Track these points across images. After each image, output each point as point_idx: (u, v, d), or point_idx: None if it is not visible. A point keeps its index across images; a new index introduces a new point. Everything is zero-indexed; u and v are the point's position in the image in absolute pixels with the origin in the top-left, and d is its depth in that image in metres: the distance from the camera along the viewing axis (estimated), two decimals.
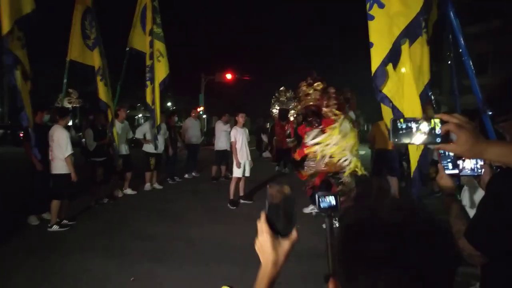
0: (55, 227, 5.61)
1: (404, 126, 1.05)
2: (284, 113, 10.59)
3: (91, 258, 4.59)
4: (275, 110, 10.96)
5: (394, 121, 1.07)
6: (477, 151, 1.03)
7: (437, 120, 1.04)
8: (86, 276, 4.15)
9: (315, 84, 6.42)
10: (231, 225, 6.09)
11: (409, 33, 3.46)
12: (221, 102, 35.18)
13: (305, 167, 6.15)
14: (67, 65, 6.95)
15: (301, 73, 6.87)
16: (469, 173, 1.79)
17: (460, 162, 1.77)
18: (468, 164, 1.78)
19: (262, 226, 0.97)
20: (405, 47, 3.54)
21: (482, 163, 1.79)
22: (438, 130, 1.04)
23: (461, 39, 3.48)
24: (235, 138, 7.24)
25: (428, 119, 1.06)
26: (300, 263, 4.35)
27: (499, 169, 2.14)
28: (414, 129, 1.04)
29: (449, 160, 1.72)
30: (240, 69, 30.89)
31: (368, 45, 3.64)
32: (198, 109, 28.73)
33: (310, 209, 6.72)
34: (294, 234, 0.98)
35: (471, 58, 3.82)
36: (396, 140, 1.06)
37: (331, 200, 1.57)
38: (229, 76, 27.46)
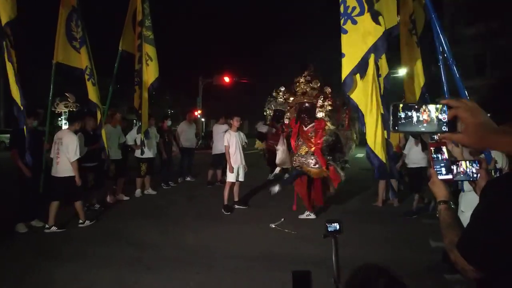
0: (87, 222, 6.03)
1: (403, 116, 0.94)
2: (279, 114, 9.90)
3: (79, 266, 4.46)
4: (269, 111, 10.28)
5: (395, 107, 0.95)
6: (488, 141, 0.90)
7: (443, 107, 0.93)
8: (73, 284, 4.02)
9: (313, 82, 6.64)
10: (224, 231, 5.94)
11: (376, 49, 3.94)
12: (219, 105, 35.09)
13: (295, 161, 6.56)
14: (54, 68, 6.76)
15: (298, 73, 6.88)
16: (463, 178, 1.66)
17: (454, 166, 1.64)
18: (463, 169, 1.66)
19: None
20: (370, 61, 4.01)
21: (478, 167, 1.66)
22: (444, 117, 0.92)
23: (445, 42, 3.45)
24: (228, 142, 7.10)
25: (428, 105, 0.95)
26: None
27: (498, 172, 2.01)
28: (415, 117, 0.94)
29: (442, 164, 1.56)
30: (238, 72, 30.79)
31: (340, 55, 4.09)
32: (196, 112, 28.77)
33: (305, 215, 6.60)
34: None
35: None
36: (397, 128, 0.95)
37: (336, 226, 2.17)
38: (227, 79, 27.44)
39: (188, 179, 10.39)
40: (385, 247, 5.23)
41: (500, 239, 1.08)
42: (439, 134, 1.00)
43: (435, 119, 0.93)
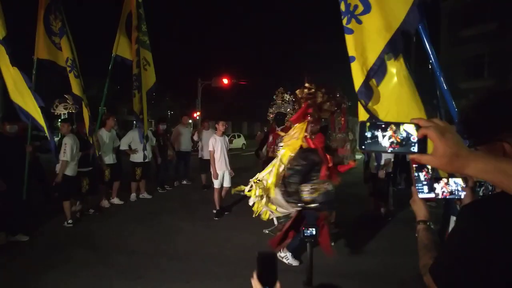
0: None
1: (369, 135, 0.90)
2: (280, 117, 9.24)
3: (69, 273, 4.43)
4: (272, 115, 9.85)
5: (362, 125, 0.91)
6: (458, 165, 0.85)
7: (412, 126, 0.89)
8: None
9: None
10: (217, 238, 5.89)
11: (392, 48, 3.37)
12: (218, 106, 35.05)
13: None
14: (35, 65, 6.44)
15: (298, 75, 6.50)
16: (447, 197, 1.62)
17: (437, 185, 1.60)
18: (447, 187, 1.61)
19: (254, 282, 1.24)
20: (391, 61, 3.45)
21: (464, 185, 1.62)
22: (413, 138, 0.88)
23: (432, 51, 3.27)
24: (213, 147, 6.98)
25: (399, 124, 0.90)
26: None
27: (483, 187, 1.96)
28: (380, 137, 0.90)
29: (424, 183, 1.53)
30: (237, 74, 30.71)
31: (348, 59, 3.51)
32: (195, 114, 28.70)
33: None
34: (278, 285, 1.24)
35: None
36: (364, 148, 0.91)
37: (312, 231, 2.28)
38: (225, 81, 27.35)
39: (185, 182, 10.35)
40: (379, 254, 5.19)
41: (468, 269, 1.04)
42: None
43: (403, 139, 0.89)
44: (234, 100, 38.23)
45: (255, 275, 1.25)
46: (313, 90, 5.28)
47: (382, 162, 6.56)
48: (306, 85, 5.50)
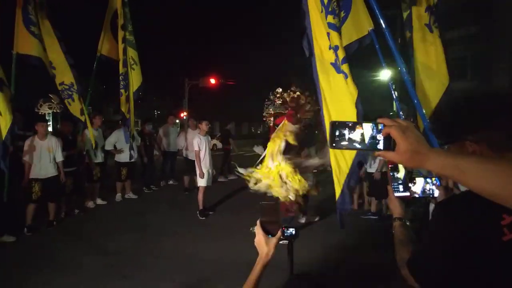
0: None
1: (337, 133, 0.96)
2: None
3: (53, 273, 4.40)
4: (270, 116, 9.49)
5: (332, 125, 0.97)
6: (418, 161, 0.91)
7: (378, 125, 0.95)
8: None
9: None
10: (204, 237, 5.88)
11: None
12: (206, 106, 34.84)
13: None
14: (14, 60, 6.31)
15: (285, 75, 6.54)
16: (421, 195, 1.70)
17: (411, 184, 1.68)
18: (420, 186, 1.69)
19: (258, 229, 1.41)
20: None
21: (438, 183, 1.70)
22: (379, 136, 0.94)
23: (399, 58, 3.34)
24: (199, 146, 6.98)
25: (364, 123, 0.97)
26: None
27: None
28: (347, 136, 0.95)
29: (400, 181, 1.60)
30: (224, 74, 30.62)
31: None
32: (182, 114, 28.54)
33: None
34: (279, 233, 1.41)
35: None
36: (334, 145, 0.97)
37: (292, 231, 2.21)
38: (213, 81, 27.29)
39: (171, 182, 10.30)
40: (364, 250, 5.25)
41: (440, 262, 1.11)
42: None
43: (369, 137, 0.95)
44: (222, 100, 38.10)
45: (258, 223, 1.42)
46: (297, 93, 5.71)
47: (377, 162, 6.64)
48: (292, 89, 5.86)
